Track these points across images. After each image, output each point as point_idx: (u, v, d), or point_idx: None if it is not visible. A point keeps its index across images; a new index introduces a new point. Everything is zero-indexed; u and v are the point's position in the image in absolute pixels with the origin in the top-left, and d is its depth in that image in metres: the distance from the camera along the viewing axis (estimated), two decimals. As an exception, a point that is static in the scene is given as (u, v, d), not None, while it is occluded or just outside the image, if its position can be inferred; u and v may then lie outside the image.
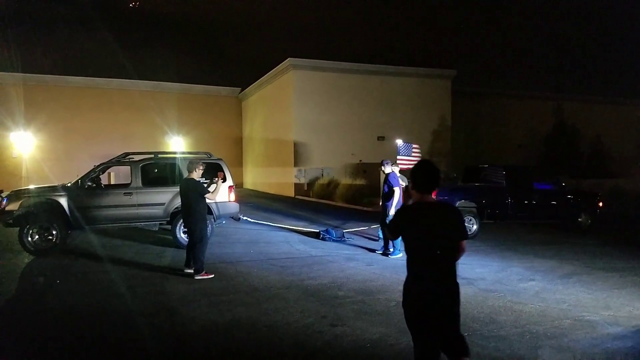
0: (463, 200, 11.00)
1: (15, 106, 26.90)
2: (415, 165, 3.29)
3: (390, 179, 8.78)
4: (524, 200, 11.64)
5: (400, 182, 8.99)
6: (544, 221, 12.52)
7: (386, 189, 8.79)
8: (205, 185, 7.55)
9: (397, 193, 8.61)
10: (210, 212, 9.51)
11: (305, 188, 24.35)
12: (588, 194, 13.11)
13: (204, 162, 7.52)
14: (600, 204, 12.64)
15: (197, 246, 7.00)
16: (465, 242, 3.21)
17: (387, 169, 8.99)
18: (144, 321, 5.10)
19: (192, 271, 7.07)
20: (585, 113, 32.35)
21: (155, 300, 5.92)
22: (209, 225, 9.21)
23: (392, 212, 8.62)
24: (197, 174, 7.13)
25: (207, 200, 9.39)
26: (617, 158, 29.55)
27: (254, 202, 20.78)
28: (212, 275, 7.02)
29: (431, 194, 3.17)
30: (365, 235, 11.02)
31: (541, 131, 30.20)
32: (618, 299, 6.06)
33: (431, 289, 3.07)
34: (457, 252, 3.18)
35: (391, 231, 3.40)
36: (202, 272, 7.00)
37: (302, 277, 7.01)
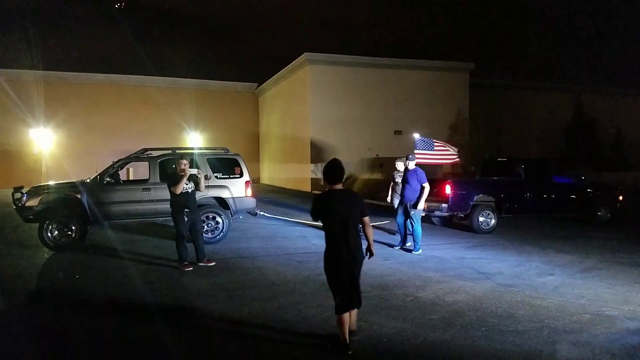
0: (481, 195, 10.89)
1: (35, 103, 27.43)
2: (326, 163, 4.32)
3: (419, 174, 8.61)
4: (543, 194, 11.50)
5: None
6: (563, 215, 12.35)
7: (412, 184, 8.55)
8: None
9: (427, 189, 8.56)
10: (227, 207, 9.63)
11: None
12: (608, 187, 12.88)
13: (188, 158, 7.59)
14: (621, 198, 12.42)
15: (176, 237, 7.29)
16: (367, 218, 4.28)
17: (412, 164, 8.77)
18: (162, 315, 5.20)
19: (212, 264, 7.39)
20: (605, 105, 31.66)
21: (173, 295, 6.02)
22: (226, 221, 9.33)
23: (421, 206, 8.59)
24: (179, 169, 7.20)
25: (225, 195, 9.51)
26: (638, 151, 28.90)
27: (271, 197, 20.89)
28: (191, 268, 7.18)
29: (337, 184, 4.25)
30: (382, 230, 11.01)
31: (561, 124, 29.66)
32: (638, 294, 5.96)
33: (343, 253, 4.14)
34: (364, 227, 4.29)
35: (312, 213, 4.33)
36: (181, 262, 7.23)
37: (319, 272, 7.00)
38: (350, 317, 4.18)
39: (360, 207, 4.25)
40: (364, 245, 4.29)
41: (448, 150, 11.99)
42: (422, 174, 8.64)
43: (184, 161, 7.27)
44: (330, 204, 4.19)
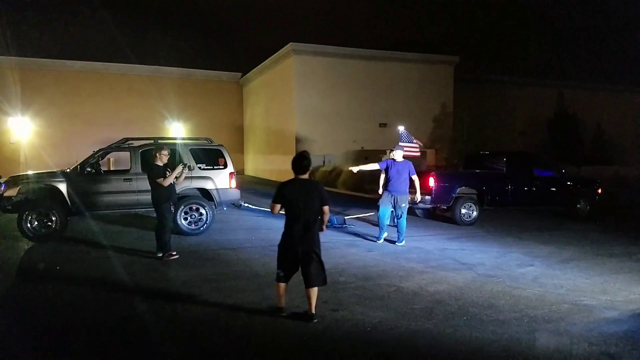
0: (464, 187, 11.01)
1: (12, 91, 26.70)
2: (295, 155, 4.71)
3: (410, 166, 8.55)
4: (524, 187, 11.68)
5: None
6: (543, 208, 12.57)
7: (404, 176, 8.45)
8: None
9: (417, 182, 8.58)
10: (211, 198, 9.56)
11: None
12: (587, 180, 13.14)
13: (169, 149, 7.67)
14: (600, 191, 12.68)
15: (159, 227, 7.27)
16: (327, 207, 4.66)
17: (399, 155, 8.60)
18: (146, 307, 5.15)
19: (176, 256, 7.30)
20: (586, 100, 32.21)
21: (156, 286, 5.97)
22: (210, 212, 9.27)
23: (419, 198, 8.64)
24: (160, 160, 7.25)
25: (209, 186, 9.45)
26: (617, 145, 29.54)
27: (256, 188, 20.80)
28: (177, 256, 7.25)
29: (302, 174, 4.64)
30: (367, 222, 11.06)
31: (543, 118, 30.11)
32: (615, 284, 6.12)
33: (296, 237, 4.55)
34: (323, 214, 4.67)
35: (274, 199, 4.65)
36: (166, 253, 7.24)
37: (303, 263, 7.06)
38: (310, 295, 4.62)
39: (321, 196, 4.61)
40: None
41: (418, 144, 12.01)
42: (412, 165, 8.67)
43: (166, 152, 7.29)
44: (293, 192, 4.57)
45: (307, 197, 4.54)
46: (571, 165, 18.53)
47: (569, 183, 12.34)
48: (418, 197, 8.68)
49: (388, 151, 9.70)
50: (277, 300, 4.80)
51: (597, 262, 7.42)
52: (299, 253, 4.57)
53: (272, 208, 4.68)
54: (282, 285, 4.71)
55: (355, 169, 9.38)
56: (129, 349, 4.15)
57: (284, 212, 4.71)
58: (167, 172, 7.27)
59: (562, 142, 27.42)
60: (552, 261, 7.42)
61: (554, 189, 12.08)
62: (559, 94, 29.61)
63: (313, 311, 4.63)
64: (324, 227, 4.82)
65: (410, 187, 8.65)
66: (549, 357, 3.93)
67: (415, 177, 8.55)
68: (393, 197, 8.48)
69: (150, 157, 9.37)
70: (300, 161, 4.64)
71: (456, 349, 4.10)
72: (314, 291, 4.63)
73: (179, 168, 7.61)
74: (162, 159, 7.30)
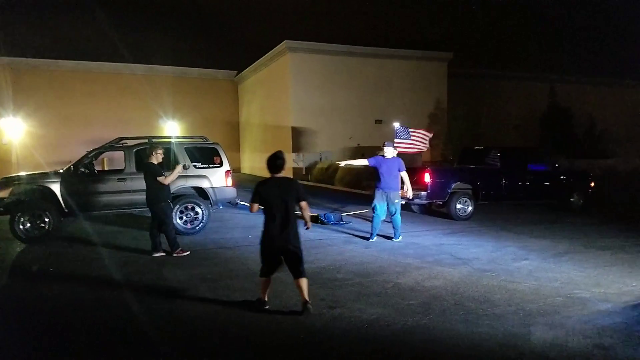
0: (459, 183, 11.07)
1: (3, 91, 26.55)
2: (270, 154, 4.87)
3: (400, 162, 8.52)
4: (518, 181, 11.76)
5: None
6: (537, 202, 12.65)
7: (394, 173, 8.39)
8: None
9: (406, 177, 8.60)
10: (207, 197, 9.55)
11: (304, 172, 24.35)
12: (580, 174, 13.24)
13: (164, 148, 7.84)
14: (592, 184, 12.78)
15: (164, 227, 7.33)
16: (304, 203, 4.85)
17: (389, 152, 8.52)
18: (142, 307, 5.14)
19: (162, 254, 7.32)
20: (579, 94, 32.34)
21: (152, 286, 5.97)
22: (205, 211, 9.26)
23: (410, 194, 8.68)
24: (156, 158, 7.33)
25: (205, 185, 9.43)
26: (610, 139, 29.68)
27: (252, 187, 20.77)
28: (188, 252, 7.38)
29: (277, 173, 4.82)
30: (364, 219, 11.09)
31: (537, 112, 30.21)
32: (608, 276, 6.18)
33: (275, 234, 4.72)
34: (302, 210, 4.85)
35: (252, 199, 4.86)
36: (177, 250, 7.32)
37: (300, 260, 7.07)
38: (301, 286, 4.78)
39: (297, 193, 4.82)
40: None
41: (423, 137, 11.98)
42: (402, 162, 8.68)
43: (162, 151, 7.41)
44: (270, 190, 4.77)
45: (283, 195, 4.73)
46: (565, 158, 18.61)
47: (562, 177, 12.42)
48: (410, 193, 8.69)
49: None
50: (260, 294, 4.96)
51: (591, 255, 7.49)
52: (278, 249, 4.77)
53: (251, 207, 4.88)
54: (265, 280, 4.90)
55: (342, 164, 9.49)
56: (127, 349, 4.16)
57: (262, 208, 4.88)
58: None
59: (555, 135, 27.51)
60: (547, 255, 7.48)
61: (547, 183, 12.17)
62: (552, 88, 29.71)
63: (307, 298, 4.75)
64: (309, 223, 5.05)
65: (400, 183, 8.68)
66: (544, 350, 3.97)
67: (404, 174, 8.55)
68: (385, 194, 8.45)
69: (144, 156, 9.37)
70: (274, 161, 4.83)
71: (453, 343, 4.14)
72: (304, 281, 4.79)
73: (179, 167, 7.72)
74: (158, 157, 7.36)
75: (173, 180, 7.50)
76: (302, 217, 4.96)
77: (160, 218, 7.32)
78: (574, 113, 29.17)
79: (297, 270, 4.80)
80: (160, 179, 7.17)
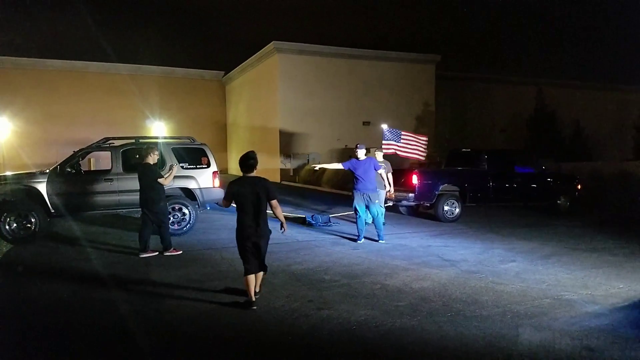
0: (446, 184, 11.12)
1: (-13, 90, 26.14)
2: (243, 154, 5.10)
3: (375, 162, 8.57)
4: (505, 183, 11.85)
5: (383, 167, 8.98)
6: (524, 204, 12.75)
7: (371, 174, 8.41)
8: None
9: (384, 174, 8.70)
10: (194, 198, 9.47)
11: (292, 173, 24.30)
12: (567, 177, 13.38)
13: (158, 148, 8.01)
14: (579, 187, 12.92)
15: (162, 227, 7.38)
16: (275, 201, 5.03)
17: (362, 153, 8.48)
18: (130, 308, 5.07)
19: (150, 254, 7.30)
20: (565, 97, 32.75)
21: (139, 288, 5.89)
22: (193, 212, 9.18)
23: (391, 191, 9.05)
24: (152, 159, 7.44)
25: (192, 186, 9.37)
26: (596, 142, 30.10)
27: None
28: (181, 252, 7.47)
29: (249, 172, 5.04)
30: (352, 220, 11.08)
31: (524, 115, 30.53)
32: (595, 278, 6.23)
33: (248, 230, 4.94)
34: (273, 208, 5.05)
35: (225, 197, 5.13)
36: (170, 249, 7.41)
37: (289, 262, 7.04)
38: (256, 279, 5.08)
39: (267, 192, 4.99)
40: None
41: (417, 144, 12.00)
42: (375, 160, 8.72)
43: (157, 151, 7.59)
44: (242, 189, 4.97)
45: (254, 193, 4.93)
46: (552, 161, 18.81)
47: (549, 179, 12.54)
48: (391, 190, 9.10)
49: (372, 150, 9.74)
50: (248, 294, 5.00)
51: (578, 257, 7.55)
52: (253, 244, 4.97)
53: (224, 204, 5.15)
54: (251, 277, 4.99)
55: (317, 167, 9.74)
56: (113, 350, 4.09)
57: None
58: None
59: (541, 138, 27.81)
60: (534, 257, 7.52)
61: (534, 186, 12.28)
62: (539, 91, 30.04)
63: (257, 289, 5.18)
64: (285, 225, 5.22)
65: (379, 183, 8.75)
66: (532, 352, 3.98)
67: (381, 171, 8.65)
68: (364, 195, 8.42)
69: (131, 156, 9.28)
70: (246, 161, 5.06)
71: (441, 345, 4.13)
72: (260, 275, 5.19)
73: (176, 168, 7.91)
74: (154, 158, 7.47)
75: (170, 180, 7.55)
76: (275, 217, 5.13)
77: (159, 219, 7.34)
78: (560, 116, 29.54)
79: (262, 264, 5.10)
80: (160, 180, 7.27)
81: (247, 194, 4.93)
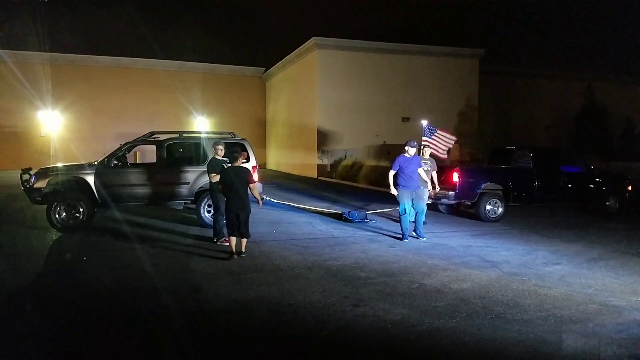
0: (489, 183, 10.82)
1: (43, 85, 27.47)
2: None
3: (418, 160, 8.52)
4: (551, 183, 11.42)
5: (423, 166, 8.82)
6: (571, 204, 12.27)
7: (411, 171, 8.29)
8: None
9: (423, 174, 8.56)
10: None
11: (329, 169, 24.34)
12: (617, 177, 12.77)
13: (225, 142, 8.14)
14: (630, 188, 12.32)
15: (215, 215, 8.01)
16: (252, 185, 6.94)
17: (411, 151, 8.38)
18: (169, 298, 5.23)
19: (224, 242, 7.64)
20: (615, 94, 31.26)
21: (179, 278, 6.06)
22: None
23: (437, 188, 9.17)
24: (217, 154, 7.75)
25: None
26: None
27: (277, 182, 20.90)
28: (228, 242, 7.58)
29: (235, 163, 6.91)
30: (388, 217, 10.99)
31: (570, 112, 29.35)
32: (647, 285, 5.93)
33: (234, 204, 6.77)
34: (252, 190, 6.94)
35: (219, 177, 7.09)
36: (222, 239, 7.74)
37: (325, 258, 7.06)
38: (241, 243, 6.91)
39: (246, 177, 6.84)
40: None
41: (445, 141, 11.63)
42: (419, 159, 8.75)
43: (221, 146, 7.79)
44: (229, 174, 6.81)
45: (238, 178, 6.74)
46: (600, 160, 18.00)
47: (597, 179, 12.01)
48: (437, 188, 9.22)
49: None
50: (229, 248, 6.87)
51: (627, 261, 7.20)
52: (235, 214, 6.71)
53: (212, 177, 7.25)
54: (234, 238, 6.81)
55: (393, 192, 8.73)
56: (149, 338, 4.23)
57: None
58: (224, 165, 7.48)
59: (589, 136, 26.64)
60: (580, 260, 7.23)
61: (582, 185, 11.78)
62: (589, 87, 28.74)
63: (243, 250, 6.92)
64: (260, 200, 7.23)
65: (422, 182, 8.64)
66: (576, 358, 3.84)
67: (421, 170, 8.51)
68: (411, 192, 8.36)
69: (175, 150, 9.56)
70: (231, 154, 6.98)
71: (480, 348, 4.04)
72: (244, 240, 6.92)
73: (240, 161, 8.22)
74: (219, 152, 7.71)
75: (216, 179, 7.43)
76: (254, 196, 6.96)
77: (213, 205, 8.02)
78: (610, 113, 28.21)
79: (244, 232, 6.83)
80: (210, 175, 7.56)
81: (233, 177, 6.72)
